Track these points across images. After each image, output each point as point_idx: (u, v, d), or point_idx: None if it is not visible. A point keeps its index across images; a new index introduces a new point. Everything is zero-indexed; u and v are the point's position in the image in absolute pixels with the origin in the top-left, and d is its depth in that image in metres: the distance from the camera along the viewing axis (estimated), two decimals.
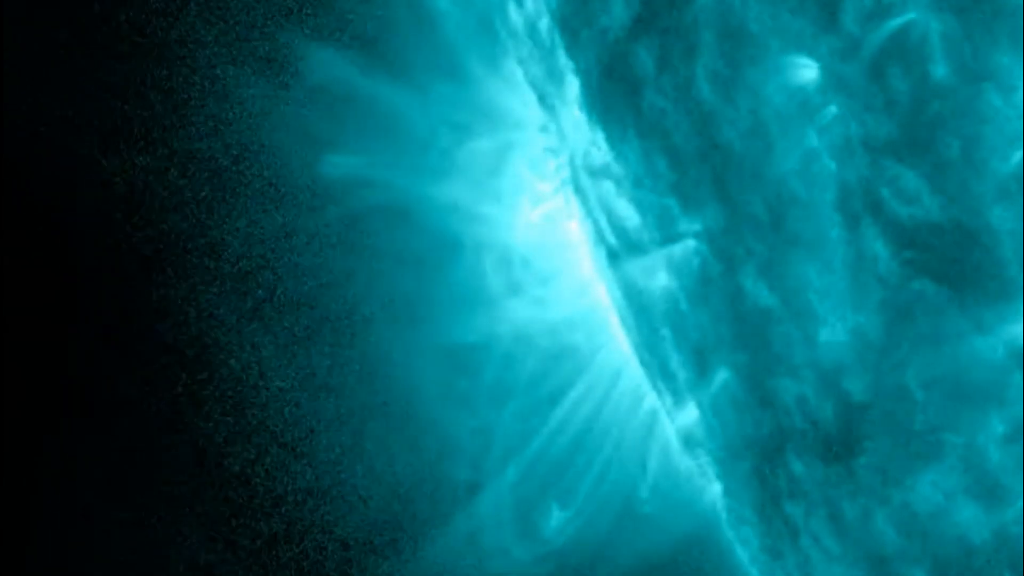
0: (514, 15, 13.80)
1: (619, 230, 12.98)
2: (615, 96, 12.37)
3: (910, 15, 9.98)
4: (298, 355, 15.01)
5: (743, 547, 13.52)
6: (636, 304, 13.46)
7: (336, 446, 14.94)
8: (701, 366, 12.79)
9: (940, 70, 9.96)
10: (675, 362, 13.17)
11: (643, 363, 14.00)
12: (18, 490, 14.32)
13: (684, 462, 13.95)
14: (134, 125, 14.44)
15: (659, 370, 13.60)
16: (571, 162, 13.69)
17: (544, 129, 14.06)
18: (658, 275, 12.78)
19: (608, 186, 12.87)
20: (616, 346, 14.27)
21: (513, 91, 14.27)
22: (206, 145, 14.54)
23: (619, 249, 13.16)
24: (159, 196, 14.65)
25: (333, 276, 15.03)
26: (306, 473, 15.04)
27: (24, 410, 14.29)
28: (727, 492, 13.38)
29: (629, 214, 12.73)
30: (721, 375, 12.55)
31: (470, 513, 14.86)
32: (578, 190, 13.70)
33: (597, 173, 13.01)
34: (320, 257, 14.97)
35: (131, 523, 14.86)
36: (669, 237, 12.35)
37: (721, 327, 12.16)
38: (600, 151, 12.80)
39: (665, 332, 13.06)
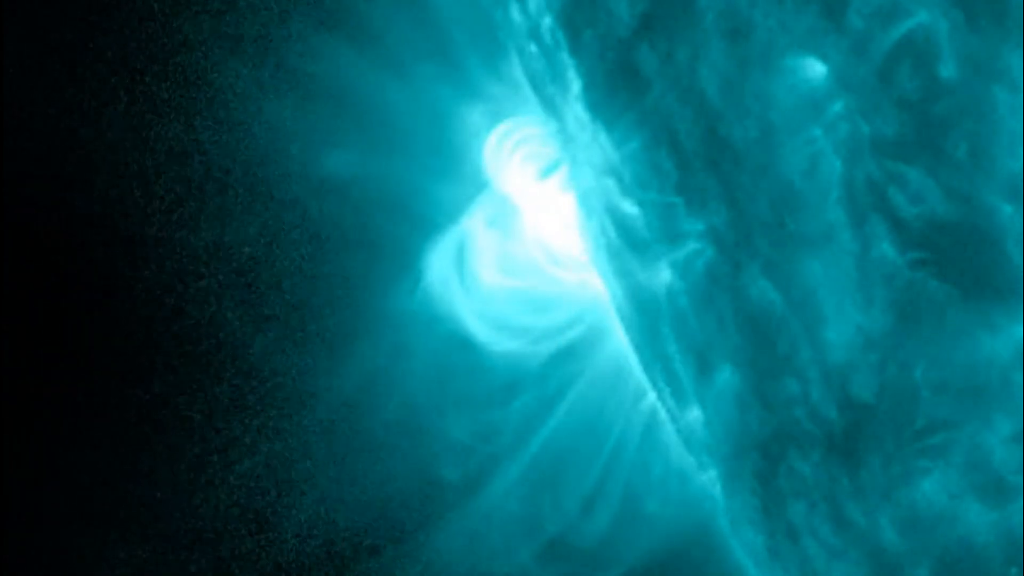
0: (516, 14, 13.78)
1: (622, 229, 12.97)
2: (619, 95, 12.35)
3: (919, 14, 9.98)
4: (297, 354, 14.97)
5: (744, 546, 13.52)
6: (638, 303, 13.44)
7: (336, 445, 14.91)
8: (703, 365, 12.78)
9: (948, 69, 9.97)
10: (677, 361, 13.16)
11: (644, 362, 14.00)
12: (17, 491, 14.27)
13: (685, 461, 13.95)
14: (132, 125, 14.38)
15: (661, 369, 13.59)
16: (573, 160, 13.68)
17: (546, 127, 14.05)
18: (661, 274, 12.77)
19: (611, 185, 12.86)
20: (617, 345, 14.27)
21: (515, 89, 14.26)
22: (205, 143, 14.49)
23: (621, 248, 13.14)
24: (157, 195, 14.59)
25: (331, 274, 14.99)
26: (306, 472, 15.00)
27: (23, 412, 14.23)
28: (729, 491, 13.37)
29: (632, 213, 12.71)
30: (724, 374, 12.54)
31: (470, 513, 14.84)
32: (580, 189, 13.70)
33: (600, 172, 13.00)
34: (319, 254, 14.94)
35: (126, 523, 14.81)
36: (673, 236, 12.34)
37: (725, 326, 12.15)
38: (603, 150, 12.78)
39: (667, 331, 13.05)
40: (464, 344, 14.79)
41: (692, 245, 12.17)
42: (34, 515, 14.41)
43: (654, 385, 13.97)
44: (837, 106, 10.64)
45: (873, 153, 10.46)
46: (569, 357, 14.68)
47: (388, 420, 14.96)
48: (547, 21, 13.29)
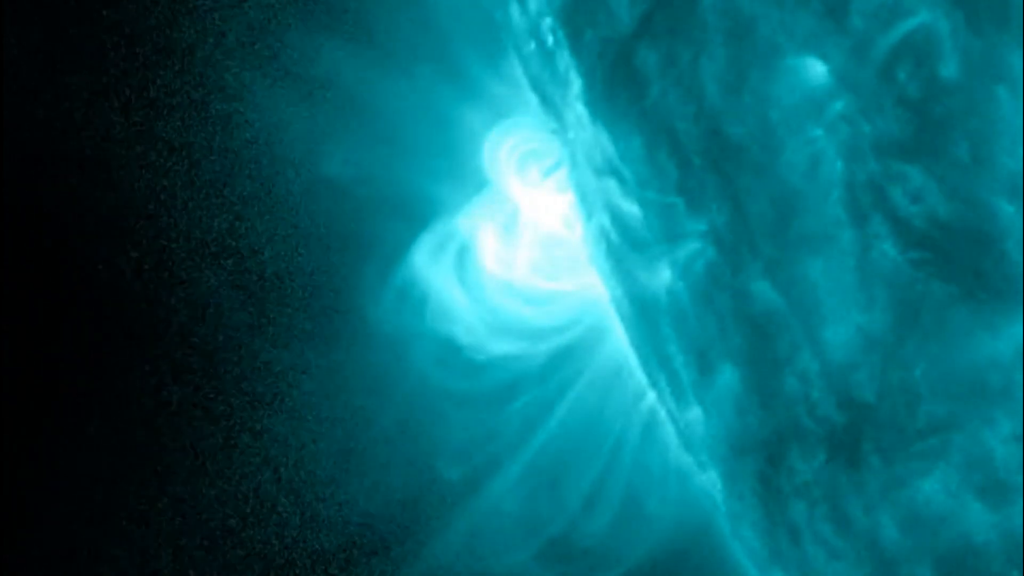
0: (516, 14, 13.77)
1: (622, 229, 12.96)
2: (619, 95, 12.35)
3: (920, 14, 9.99)
4: (297, 355, 14.96)
5: (744, 547, 13.52)
6: (638, 303, 13.44)
7: (336, 446, 14.90)
8: (704, 365, 12.77)
9: (949, 69, 9.98)
10: (677, 361, 13.15)
11: (644, 362, 13.99)
12: (18, 491, 14.25)
13: (685, 461, 13.95)
14: (132, 123, 14.37)
15: (661, 369, 13.58)
16: (573, 160, 13.67)
17: (546, 128, 14.05)
18: (662, 274, 12.76)
19: (612, 185, 12.85)
20: (617, 345, 14.27)
21: (515, 89, 14.26)
22: (205, 143, 14.48)
23: (622, 248, 13.14)
24: (156, 194, 14.58)
25: (331, 273, 14.99)
26: (303, 473, 14.99)
27: (21, 413, 14.22)
28: (728, 491, 13.36)
29: (633, 213, 12.71)
30: (724, 374, 12.53)
31: (470, 513, 14.84)
32: (580, 189, 13.69)
33: (600, 172, 12.99)
34: (318, 254, 14.94)
35: (126, 524, 14.79)
36: (673, 236, 12.34)
37: (725, 326, 12.15)
38: (603, 149, 12.78)
39: (668, 331, 13.05)
40: (463, 344, 14.79)
41: (693, 245, 12.17)
42: (34, 515, 14.40)
43: (654, 385, 13.96)
44: (838, 106, 10.65)
45: (874, 153, 10.47)
46: (569, 357, 14.68)
47: (388, 420, 14.95)
48: (547, 21, 13.29)
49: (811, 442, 11.88)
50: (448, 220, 14.58)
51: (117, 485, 14.58)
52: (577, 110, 13.10)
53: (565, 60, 13.05)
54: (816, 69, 10.72)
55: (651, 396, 14.19)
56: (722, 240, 11.85)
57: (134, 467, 14.62)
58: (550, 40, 13.26)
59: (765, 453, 12.48)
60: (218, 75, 14.43)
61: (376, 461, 14.89)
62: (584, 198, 13.68)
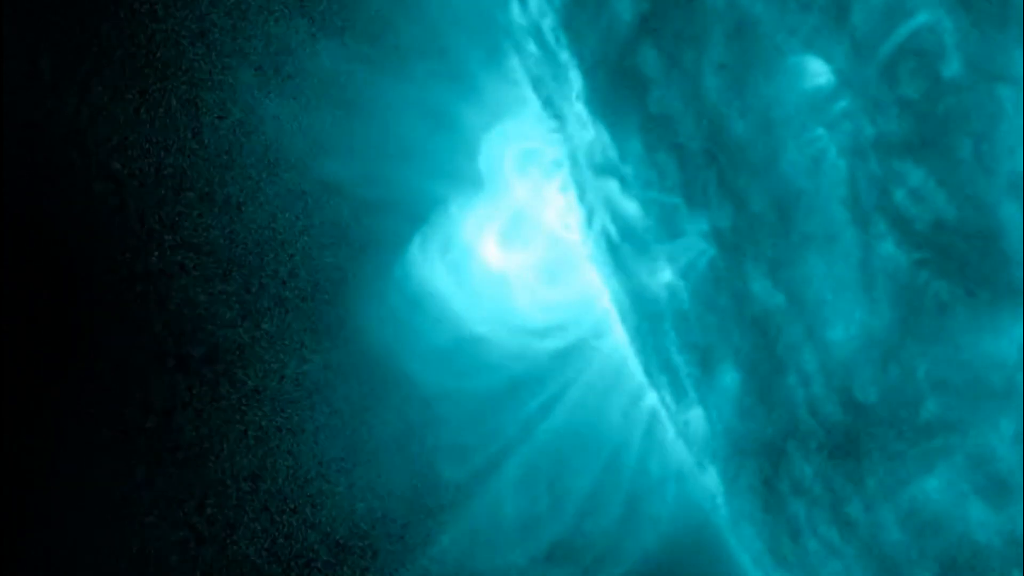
0: (516, 13, 13.77)
1: (623, 228, 12.97)
2: (620, 94, 12.34)
3: (923, 14, 9.99)
4: (295, 355, 14.95)
5: (745, 547, 13.52)
6: (639, 303, 13.45)
7: (334, 446, 14.89)
8: (705, 365, 12.78)
9: (952, 68, 9.98)
10: (678, 361, 13.16)
11: (644, 362, 14.00)
12: (19, 488, 14.24)
13: (685, 461, 13.95)
14: (135, 122, 14.36)
15: (661, 369, 13.59)
16: (574, 160, 13.67)
17: (546, 127, 14.04)
18: (663, 274, 12.77)
19: (612, 184, 12.85)
20: (617, 345, 14.27)
21: (515, 89, 14.25)
22: (206, 140, 14.47)
23: (622, 247, 13.14)
24: (157, 196, 14.57)
25: (329, 272, 14.98)
26: (303, 473, 14.98)
27: (23, 408, 14.21)
28: (729, 491, 13.38)
29: (633, 212, 12.71)
30: (726, 374, 12.54)
31: (470, 513, 14.83)
32: (581, 188, 13.69)
33: (601, 171, 12.99)
34: (317, 253, 14.93)
35: (124, 521, 14.79)
36: (674, 236, 12.34)
37: (727, 326, 12.16)
38: (604, 149, 12.78)
39: (669, 331, 13.06)
40: (463, 344, 14.78)
41: (694, 245, 12.17)
42: (34, 515, 14.40)
43: (654, 385, 13.97)
44: (840, 105, 10.65)
45: (877, 152, 10.47)
46: (569, 357, 14.67)
47: (388, 420, 14.95)
48: (548, 20, 13.28)
49: (812, 442, 11.88)
50: (448, 220, 14.57)
51: (117, 482, 14.58)
52: (578, 109, 13.10)
53: (566, 59, 13.05)
54: (818, 68, 10.72)
55: (651, 396, 14.19)
56: (724, 240, 11.85)
57: (127, 463, 14.61)
58: (551, 39, 13.25)
59: (766, 453, 12.49)
60: (217, 75, 14.42)
61: (376, 461, 14.88)
62: (584, 198, 13.68)
